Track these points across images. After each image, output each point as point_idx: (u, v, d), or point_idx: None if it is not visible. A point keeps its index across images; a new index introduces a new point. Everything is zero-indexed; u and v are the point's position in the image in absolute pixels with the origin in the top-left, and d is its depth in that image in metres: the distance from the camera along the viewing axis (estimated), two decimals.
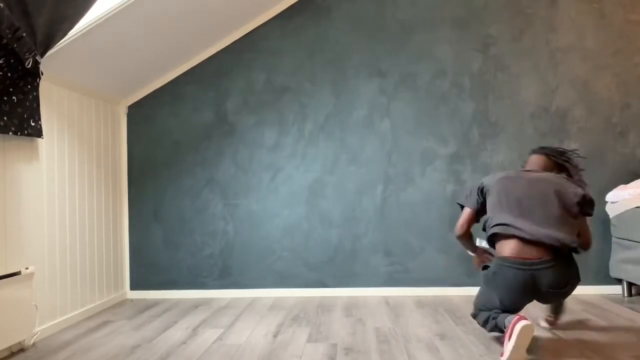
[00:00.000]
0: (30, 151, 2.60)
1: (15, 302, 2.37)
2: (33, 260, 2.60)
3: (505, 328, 2.07)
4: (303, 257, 3.60)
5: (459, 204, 2.60)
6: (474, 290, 3.47)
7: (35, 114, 2.51)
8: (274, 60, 3.66)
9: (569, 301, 3.20)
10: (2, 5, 2.04)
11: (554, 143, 3.51)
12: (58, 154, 2.86)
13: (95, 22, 2.67)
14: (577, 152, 2.63)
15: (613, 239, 3.34)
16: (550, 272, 2.16)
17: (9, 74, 2.30)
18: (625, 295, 3.30)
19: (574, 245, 2.21)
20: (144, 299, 3.60)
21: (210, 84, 3.68)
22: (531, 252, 2.18)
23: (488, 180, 2.44)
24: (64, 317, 2.87)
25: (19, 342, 2.44)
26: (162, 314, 3.14)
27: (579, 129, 3.51)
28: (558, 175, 2.40)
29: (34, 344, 2.52)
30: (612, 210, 3.32)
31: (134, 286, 3.67)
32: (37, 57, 2.37)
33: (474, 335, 2.52)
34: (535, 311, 2.88)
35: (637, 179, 3.37)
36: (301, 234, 3.60)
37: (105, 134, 3.43)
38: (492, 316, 2.22)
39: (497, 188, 2.36)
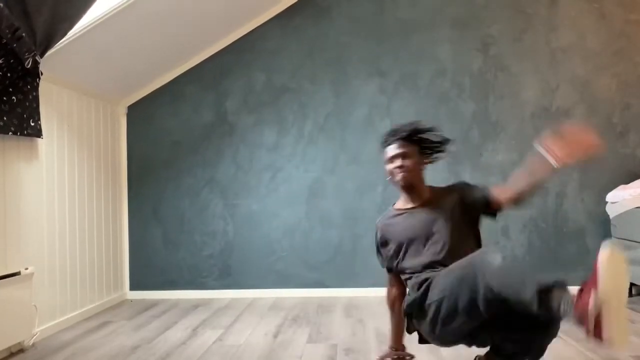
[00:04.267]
0: (30, 151, 2.60)
1: (15, 303, 2.36)
2: (33, 260, 2.59)
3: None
4: (303, 257, 3.59)
5: None
6: None
7: (35, 114, 2.51)
8: (274, 60, 3.66)
9: None
10: (1, 5, 2.04)
11: None
12: (58, 154, 2.85)
13: (95, 22, 2.67)
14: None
15: (613, 239, 3.33)
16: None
17: (9, 74, 2.30)
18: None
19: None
20: (144, 299, 3.60)
21: (210, 84, 3.68)
22: None
23: None
24: (63, 318, 2.87)
25: (19, 343, 2.43)
26: (162, 315, 3.13)
27: None
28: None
29: (33, 345, 2.52)
30: (612, 211, 3.31)
31: (134, 286, 3.66)
32: (36, 57, 2.37)
33: None
34: None
35: (637, 179, 3.37)
36: (301, 234, 3.60)
37: (105, 134, 3.43)
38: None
39: None
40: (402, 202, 1.94)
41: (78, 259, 3.03)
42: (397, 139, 1.86)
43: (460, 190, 1.89)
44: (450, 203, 1.85)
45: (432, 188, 1.96)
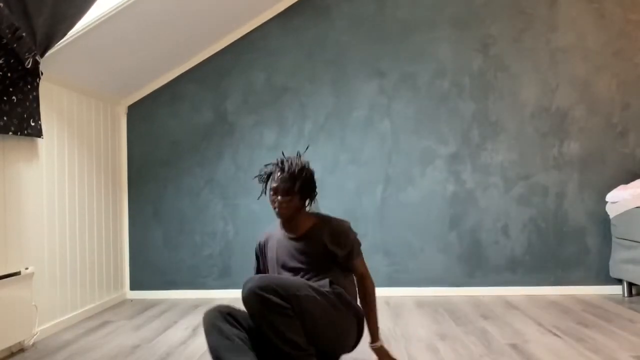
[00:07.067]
0: (30, 151, 2.60)
1: (15, 302, 2.37)
2: (33, 260, 2.59)
3: None
4: None
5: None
6: (474, 291, 3.49)
7: (35, 114, 2.51)
8: (274, 60, 3.66)
9: (569, 301, 3.20)
10: (2, 5, 2.04)
11: (554, 143, 3.51)
12: (58, 154, 2.85)
13: (95, 22, 2.67)
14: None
15: (613, 239, 3.34)
16: None
17: (9, 74, 2.30)
18: (626, 295, 3.30)
19: None
20: (144, 299, 3.60)
21: (210, 84, 3.68)
22: None
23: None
24: (63, 317, 2.87)
25: (19, 342, 2.44)
26: (162, 314, 3.14)
27: (579, 129, 3.50)
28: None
29: (33, 344, 2.52)
30: (612, 211, 3.32)
31: (134, 286, 3.67)
32: (37, 57, 2.37)
33: (474, 335, 2.51)
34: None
35: (637, 179, 3.37)
36: None
37: (105, 134, 3.43)
38: None
39: None
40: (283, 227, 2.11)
41: (78, 259, 3.03)
42: (282, 179, 1.98)
43: (329, 236, 2.04)
44: (319, 244, 2.02)
45: (315, 218, 2.10)
